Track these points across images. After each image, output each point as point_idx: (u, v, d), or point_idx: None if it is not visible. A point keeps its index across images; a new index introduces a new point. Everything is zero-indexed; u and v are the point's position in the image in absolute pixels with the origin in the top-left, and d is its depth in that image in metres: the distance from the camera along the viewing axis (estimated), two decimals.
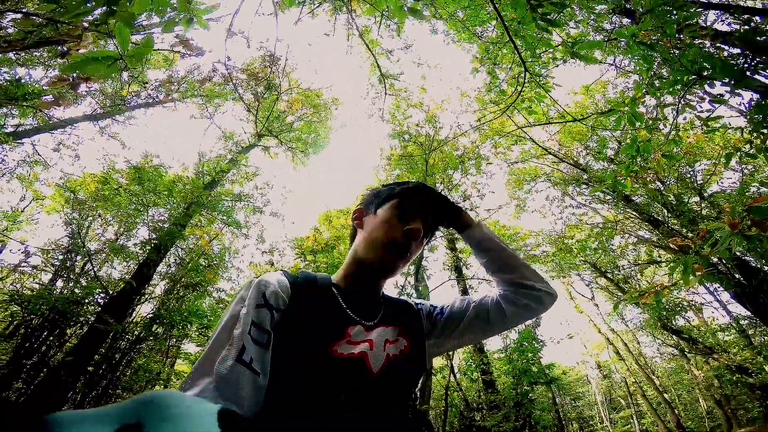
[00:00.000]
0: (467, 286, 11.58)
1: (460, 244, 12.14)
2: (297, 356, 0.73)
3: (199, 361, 0.71)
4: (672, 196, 7.46)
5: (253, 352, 0.70)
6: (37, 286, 8.22)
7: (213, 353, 0.70)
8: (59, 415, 0.31)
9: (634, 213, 9.00)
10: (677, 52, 2.53)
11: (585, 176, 9.05)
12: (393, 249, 0.89)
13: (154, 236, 8.44)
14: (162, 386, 11.80)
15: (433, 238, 1.06)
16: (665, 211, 8.03)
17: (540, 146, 6.94)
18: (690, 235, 6.95)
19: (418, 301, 1.05)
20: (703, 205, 7.21)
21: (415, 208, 0.95)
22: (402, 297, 1.06)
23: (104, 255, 8.97)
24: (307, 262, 10.37)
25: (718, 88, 2.97)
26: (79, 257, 8.52)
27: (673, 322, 11.53)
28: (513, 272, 1.00)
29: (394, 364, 0.81)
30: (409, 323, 0.94)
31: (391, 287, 8.78)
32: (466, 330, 0.98)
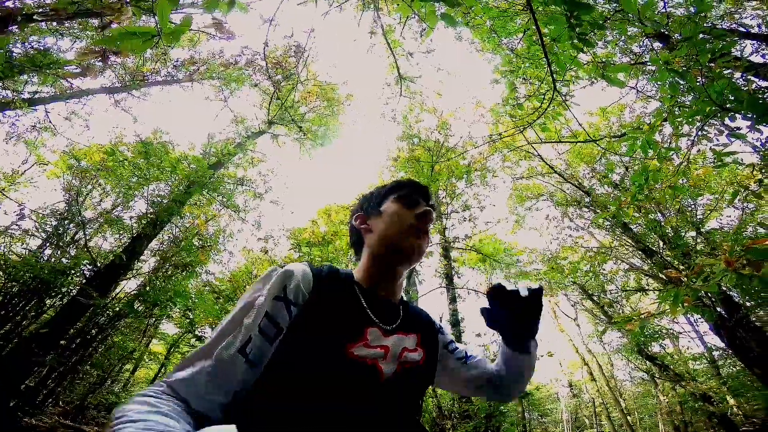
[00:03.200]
0: (456, 295, 11.64)
1: (454, 254, 12.21)
2: (314, 352, 0.73)
3: (206, 342, 0.74)
4: (670, 228, 7.59)
5: (258, 344, 0.72)
6: (25, 251, 8.03)
7: (220, 337, 0.73)
8: None
9: (630, 241, 9.14)
10: (705, 81, 2.58)
11: (587, 199, 9.17)
12: (411, 233, 0.92)
13: (151, 211, 8.33)
14: (133, 365, 11.60)
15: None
16: (661, 242, 8.17)
17: (547, 164, 7.02)
18: (682, 267, 7.08)
19: (437, 323, 1.07)
20: (698, 240, 7.35)
21: (416, 195, 0.98)
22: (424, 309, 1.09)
23: (98, 225, 8.82)
24: (301, 254, 10.32)
25: (738, 122, 3.05)
26: (72, 225, 8.36)
27: (650, 349, 11.75)
28: (519, 385, 1.08)
29: (406, 372, 0.82)
30: (427, 335, 0.95)
31: None
32: (456, 383, 1.08)
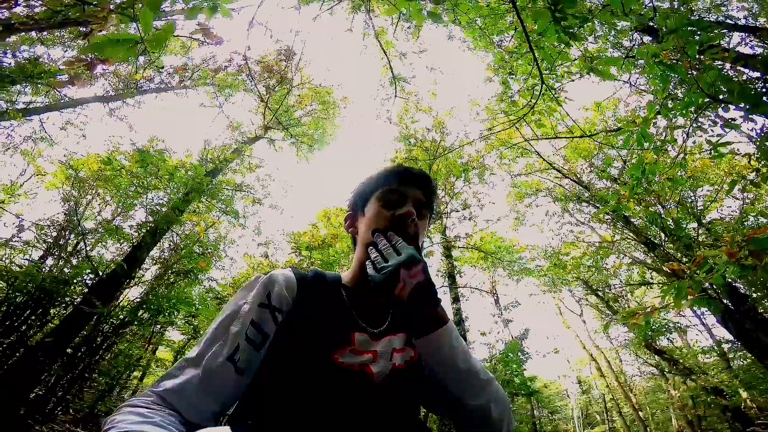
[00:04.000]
0: (459, 294, 11.60)
1: (456, 253, 12.18)
2: (300, 361, 0.72)
3: (192, 351, 0.72)
4: (671, 221, 7.52)
5: (245, 352, 0.71)
6: (26, 262, 8.08)
7: (207, 346, 0.72)
8: None
9: (632, 234, 9.08)
10: (695, 73, 2.55)
11: (587, 194, 9.11)
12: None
13: (150, 219, 8.36)
14: (141, 372, 11.68)
15: (434, 209, 0.98)
16: (662, 234, 8.10)
17: (545, 160, 6.96)
18: (685, 260, 7.02)
19: None
20: (700, 231, 7.28)
21: (397, 192, 0.90)
22: None
23: (98, 235, 8.86)
24: (302, 258, 10.33)
25: (732, 113, 3.01)
26: (72, 235, 8.41)
27: (657, 343, 11.67)
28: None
29: (398, 374, 0.79)
30: None
31: None
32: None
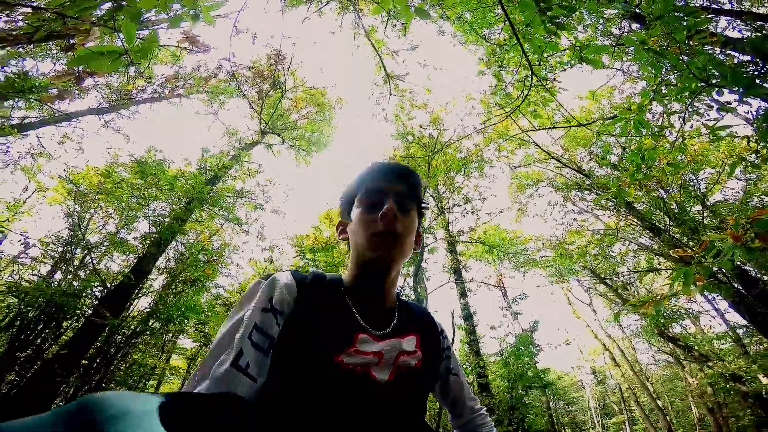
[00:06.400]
0: (466, 289, 11.57)
1: (461, 247, 12.14)
2: (302, 364, 0.72)
3: (202, 363, 0.72)
4: (674, 205, 7.44)
5: (251, 356, 0.70)
6: (35, 278, 8.19)
7: (213, 356, 0.71)
8: (5, 425, 0.30)
9: (636, 220, 8.99)
10: (686, 58, 2.50)
11: (588, 182, 9.03)
12: (377, 243, 0.82)
13: (154, 230, 8.43)
14: (156, 381, 11.83)
15: (425, 202, 0.97)
16: (667, 219, 8.02)
17: (544, 150, 6.90)
18: (691, 244, 6.94)
19: (439, 325, 1.00)
20: (705, 214, 7.19)
21: (376, 191, 0.88)
22: (425, 307, 1.03)
23: (104, 248, 8.95)
24: (306, 261, 10.36)
25: (727, 96, 2.96)
26: (78, 250, 8.50)
27: (670, 330, 11.56)
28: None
29: (403, 376, 0.79)
30: (427, 337, 0.91)
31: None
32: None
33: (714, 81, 2.70)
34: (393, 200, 0.85)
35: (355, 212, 0.89)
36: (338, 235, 0.97)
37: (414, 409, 0.82)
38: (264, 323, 0.74)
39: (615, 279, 12.56)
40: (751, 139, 3.40)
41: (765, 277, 6.55)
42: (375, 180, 0.89)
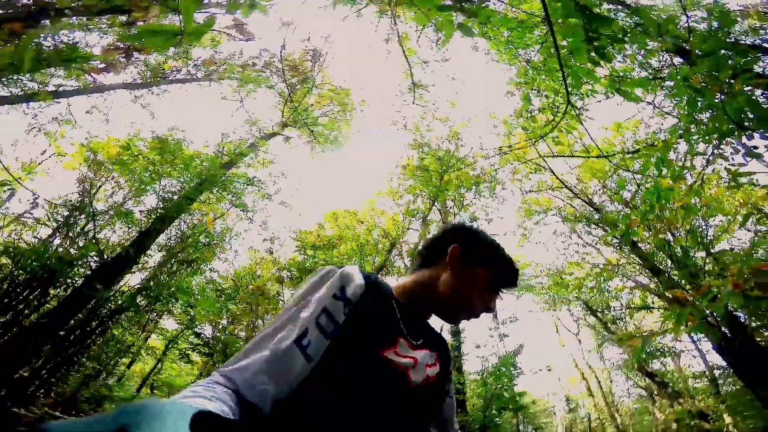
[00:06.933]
0: None
1: None
2: (353, 352, 0.77)
3: (259, 335, 0.76)
4: (679, 248, 7.51)
5: (314, 337, 0.74)
6: (34, 240, 8.10)
7: (277, 329, 0.76)
8: (53, 424, 0.34)
9: (638, 259, 9.05)
10: (724, 98, 2.57)
11: (597, 216, 9.10)
12: (470, 313, 0.96)
13: (161, 206, 8.40)
14: (130, 359, 11.53)
15: None
16: (669, 261, 8.07)
17: (558, 179, 6.98)
18: (689, 287, 6.98)
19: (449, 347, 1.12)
20: (708, 260, 7.26)
21: (503, 286, 1.00)
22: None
23: (108, 217, 8.89)
24: (306, 257, 10.34)
25: (756, 141, 3.02)
26: (83, 216, 8.43)
27: (650, 366, 11.60)
28: None
29: (429, 385, 0.87)
30: (443, 356, 0.99)
31: None
32: None
33: (746, 123, 2.76)
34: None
35: (482, 275, 0.96)
36: (451, 254, 0.97)
37: (431, 415, 0.93)
38: (334, 309, 0.79)
39: (606, 312, 12.61)
40: None
41: (753, 324, 6.65)
42: (509, 283, 1.01)
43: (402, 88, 8.34)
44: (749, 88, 2.51)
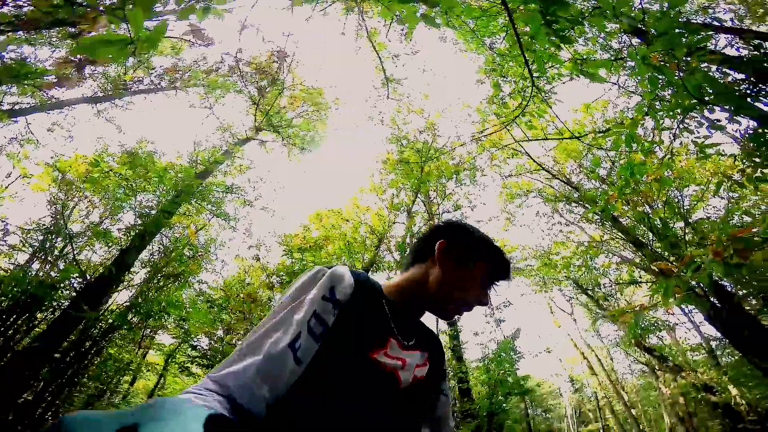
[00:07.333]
0: None
1: None
2: (342, 354, 0.76)
3: (251, 337, 0.74)
4: (658, 220, 7.67)
5: (305, 341, 0.73)
6: (11, 267, 7.91)
7: (269, 332, 0.74)
8: (73, 416, 0.36)
9: (620, 234, 9.21)
10: (683, 75, 2.61)
11: (576, 194, 9.23)
12: (463, 307, 0.93)
13: (139, 222, 8.24)
14: (131, 376, 11.50)
15: None
16: (650, 234, 8.24)
17: (535, 161, 7.05)
18: (672, 258, 7.15)
19: (443, 348, 1.09)
20: (687, 230, 7.43)
21: (496, 279, 0.98)
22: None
23: (86, 238, 8.70)
24: (293, 260, 10.27)
25: (718, 114, 3.08)
26: (59, 239, 8.24)
27: (647, 341, 11.84)
28: None
29: (418, 385, 0.87)
30: (433, 355, 0.98)
31: None
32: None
33: (707, 98, 2.81)
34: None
35: (475, 270, 0.94)
36: (440, 251, 0.95)
37: (420, 416, 0.92)
38: (323, 311, 0.78)
39: (597, 290, 12.83)
40: (737, 157, 3.55)
41: (740, 292, 6.80)
42: (501, 276, 0.99)
43: (375, 83, 8.29)
44: (705, 64, 2.54)
